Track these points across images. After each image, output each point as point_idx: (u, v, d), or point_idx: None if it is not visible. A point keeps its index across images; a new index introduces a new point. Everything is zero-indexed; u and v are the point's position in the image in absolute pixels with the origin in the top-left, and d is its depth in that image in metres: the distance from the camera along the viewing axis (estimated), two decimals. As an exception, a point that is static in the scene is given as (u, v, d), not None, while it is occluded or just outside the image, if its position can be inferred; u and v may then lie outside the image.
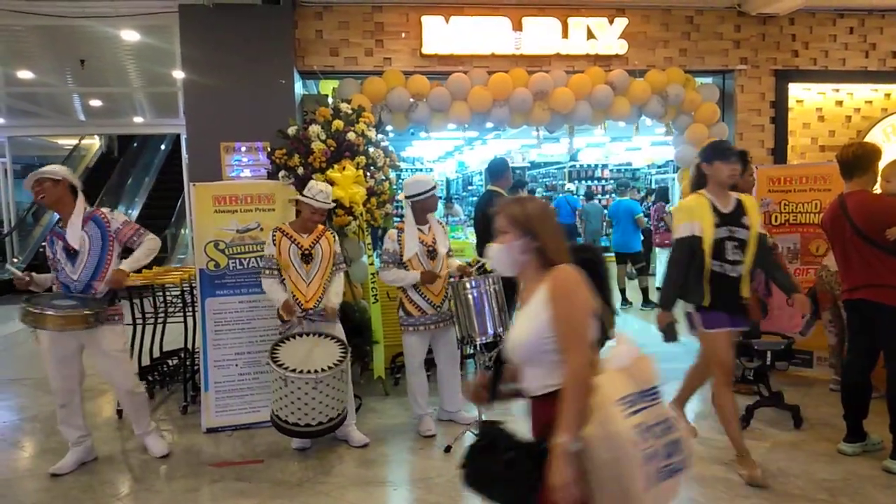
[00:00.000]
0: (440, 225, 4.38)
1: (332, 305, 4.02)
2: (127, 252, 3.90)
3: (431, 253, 4.20)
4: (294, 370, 3.60)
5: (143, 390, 4.09)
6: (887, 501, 3.27)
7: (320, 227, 4.11)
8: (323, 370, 3.63)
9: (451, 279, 4.20)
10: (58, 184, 3.70)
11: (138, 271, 4.18)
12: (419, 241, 4.17)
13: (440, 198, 4.24)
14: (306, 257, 3.97)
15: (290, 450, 4.10)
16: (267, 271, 3.99)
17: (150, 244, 3.89)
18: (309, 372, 3.60)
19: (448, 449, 4.03)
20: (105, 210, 3.90)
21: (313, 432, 3.77)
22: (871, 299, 3.59)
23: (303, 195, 4.00)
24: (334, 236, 4.16)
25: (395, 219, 5.43)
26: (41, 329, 3.61)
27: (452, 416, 4.45)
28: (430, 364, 4.57)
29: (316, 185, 4.04)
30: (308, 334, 3.90)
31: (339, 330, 4.11)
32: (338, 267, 4.13)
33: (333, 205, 4.16)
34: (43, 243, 12.49)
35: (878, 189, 3.92)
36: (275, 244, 3.97)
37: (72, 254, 3.71)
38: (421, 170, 19.03)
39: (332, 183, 4.79)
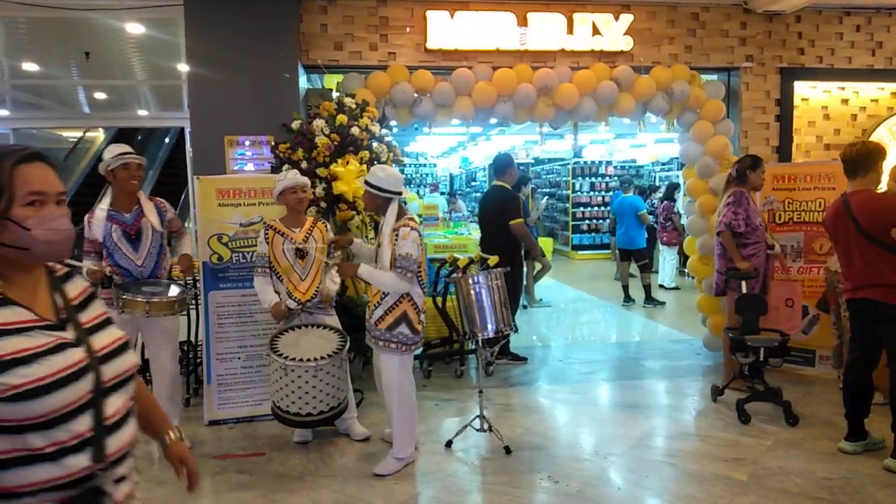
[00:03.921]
0: (395, 236, 3.58)
1: (327, 290, 4.00)
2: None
3: (376, 257, 3.79)
4: (294, 359, 3.62)
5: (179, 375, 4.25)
6: (887, 501, 3.28)
7: (310, 219, 4.11)
8: (322, 358, 3.65)
9: (454, 275, 4.19)
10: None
11: None
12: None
13: (386, 200, 3.68)
14: (300, 252, 3.97)
15: (291, 443, 4.12)
16: (259, 269, 4.00)
17: (189, 236, 4.25)
18: (308, 360, 3.63)
19: (449, 444, 4.04)
20: (161, 199, 4.10)
21: (314, 421, 3.79)
22: (874, 298, 3.59)
23: (283, 186, 3.95)
24: (326, 226, 4.15)
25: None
26: (128, 313, 3.71)
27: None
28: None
29: (282, 174, 4.05)
30: (306, 326, 3.93)
31: (335, 322, 4.11)
32: (332, 256, 4.09)
33: (305, 180, 4.03)
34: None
35: (883, 188, 3.91)
36: (268, 242, 3.96)
37: (133, 238, 3.82)
38: (424, 165, 19.05)
39: (335, 177, 4.80)
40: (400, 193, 3.68)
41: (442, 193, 16.19)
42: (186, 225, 4.78)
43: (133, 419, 1.43)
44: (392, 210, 3.65)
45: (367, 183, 3.68)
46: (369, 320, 3.76)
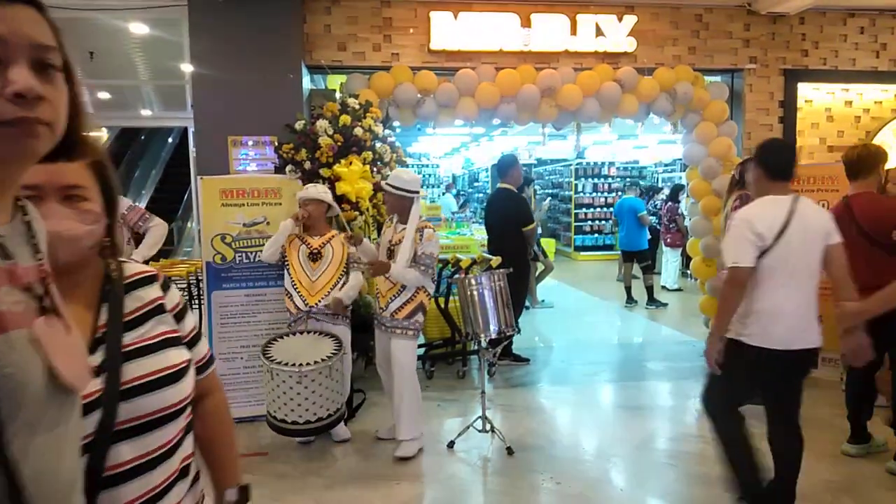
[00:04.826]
0: (419, 236, 3.85)
1: (338, 297, 3.92)
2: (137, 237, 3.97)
3: (390, 254, 3.95)
4: (279, 363, 3.56)
5: None
6: (890, 503, 3.27)
7: (332, 231, 4.14)
8: (308, 364, 3.55)
9: (457, 275, 4.20)
10: None
11: (147, 261, 4.19)
12: (388, 238, 4.04)
13: (410, 200, 3.89)
14: (314, 255, 3.99)
15: (293, 443, 4.13)
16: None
17: (157, 231, 4.01)
18: (293, 365, 3.54)
19: (451, 444, 4.04)
20: None
21: (303, 430, 3.66)
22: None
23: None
24: None
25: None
26: None
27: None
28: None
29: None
30: (309, 332, 3.87)
31: (343, 332, 4.00)
32: (353, 265, 4.07)
33: (324, 195, 4.07)
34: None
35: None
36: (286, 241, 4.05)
37: None
38: (427, 166, 19.05)
39: (338, 178, 4.81)
40: (419, 192, 3.94)
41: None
42: (189, 225, 4.74)
43: (164, 469, 1.14)
44: (416, 209, 3.91)
45: (392, 186, 3.88)
46: (383, 313, 3.93)
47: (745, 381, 2.97)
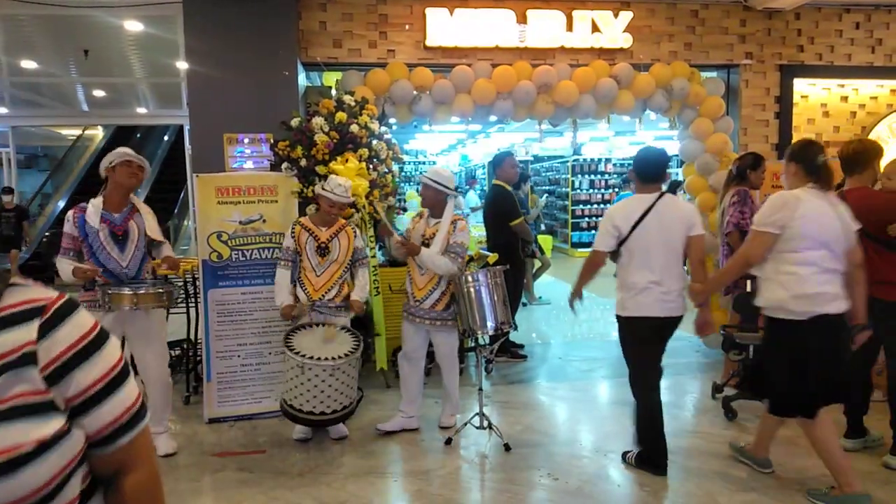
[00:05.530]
0: (452, 227, 4.04)
1: (358, 300, 4.03)
2: None
3: (426, 246, 4.09)
4: (312, 357, 3.64)
5: (171, 380, 4.11)
6: (887, 497, 3.29)
7: (341, 221, 4.14)
8: (339, 357, 3.67)
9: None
10: None
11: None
12: (421, 231, 4.14)
13: (446, 196, 4.06)
14: (322, 250, 4.01)
15: (291, 440, 4.13)
16: (283, 262, 4.06)
17: (169, 246, 4.06)
18: (326, 359, 3.64)
19: (449, 441, 4.05)
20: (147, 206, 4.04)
21: (326, 420, 3.80)
22: (871, 295, 3.59)
23: (322, 188, 4.03)
24: (356, 231, 4.18)
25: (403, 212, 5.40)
26: (115, 309, 3.60)
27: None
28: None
29: (335, 179, 4.07)
30: (318, 325, 3.94)
31: (347, 323, 4.08)
32: (360, 262, 4.14)
33: (352, 199, 4.14)
34: (47, 231, 12.25)
35: (878, 186, 3.92)
36: (294, 237, 4.03)
37: (120, 239, 3.74)
38: (423, 163, 19.05)
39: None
40: (453, 189, 4.16)
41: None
42: (186, 223, 4.74)
43: None
44: (450, 204, 4.10)
45: (432, 181, 4.05)
46: (420, 305, 4.05)
47: (635, 347, 3.55)
